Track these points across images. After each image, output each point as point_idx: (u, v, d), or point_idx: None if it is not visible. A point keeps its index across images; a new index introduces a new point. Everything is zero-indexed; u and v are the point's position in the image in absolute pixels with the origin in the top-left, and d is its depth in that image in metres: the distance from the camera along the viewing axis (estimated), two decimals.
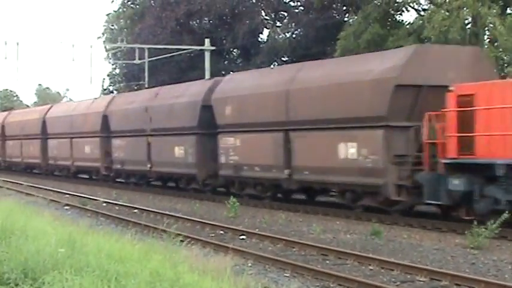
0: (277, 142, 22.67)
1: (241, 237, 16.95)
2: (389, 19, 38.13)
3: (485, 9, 31.63)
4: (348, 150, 19.73)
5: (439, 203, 17.54)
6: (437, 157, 17.19)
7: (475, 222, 15.26)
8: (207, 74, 42.95)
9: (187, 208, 23.86)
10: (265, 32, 53.05)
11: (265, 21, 52.92)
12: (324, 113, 20.64)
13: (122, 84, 61.96)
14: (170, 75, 50.20)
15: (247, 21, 49.49)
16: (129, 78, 59.21)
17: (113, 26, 66.17)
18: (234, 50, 55.23)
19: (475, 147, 16.24)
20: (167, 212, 21.72)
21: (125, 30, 60.62)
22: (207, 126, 26.57)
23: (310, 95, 21.28)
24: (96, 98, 40.65)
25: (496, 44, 31.62)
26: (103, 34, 67.08)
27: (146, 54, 48.43)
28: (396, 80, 18.50)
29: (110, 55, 63.62)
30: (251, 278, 10.15)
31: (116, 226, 19.22)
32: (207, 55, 44.66)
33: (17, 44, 47.10)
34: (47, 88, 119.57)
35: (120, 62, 60.31)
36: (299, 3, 50.81)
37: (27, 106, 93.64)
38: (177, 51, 48.62)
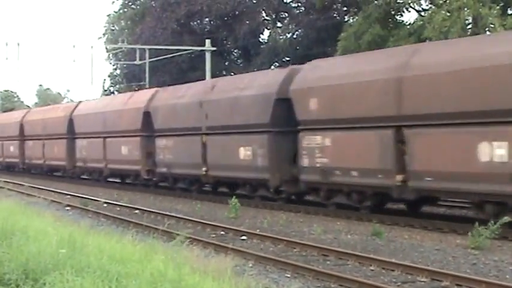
0: (384, 141, 18.69)
1: (242, 237, 16.93)
2: (390, 20, 38.14)
3: (486, 10, 31.64)
4: (494, 152, 15.68)
5: None
6: None
7: (477, 223, 15.26)
8: (208, 75, 43.00)
9: (188, 209, 23.85)
10: (266, 32, 53.15)
11: (266, 22, 53.01)
12: (460, 105, 16.56)
13: (122, 85, 62.00)
14: (171, 76, 50.29)
15: (248, 22, 49.57)
16: (129, 78, 59.26)
17: (113, 26, 66.24)
18: (235, 51, 55.31)
19: None
20: (168, 213, 21.71)
21: (126, 30, 60.73)
22: (282, 122, 22.68)
23: (437, 82, 17.13)
24: (134, 92, 36.31)
25: None
26: (104, 35, 67.21)
27: (147, 54, 48.49)
28: None
29: (110, 56, 63.73)
30: (252, 279, 10.14)
31: (117, 227, 19.21)
32: (208, 56, 44.69)
33: (18, 44, 47.28)
34: (48, 89, 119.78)
35: (121, 62, 60.38)
36: (300, 4, 50.84)
37: (28, 107, 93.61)
38: (177, 52, 48.66)
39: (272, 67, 45.64)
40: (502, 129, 15.62)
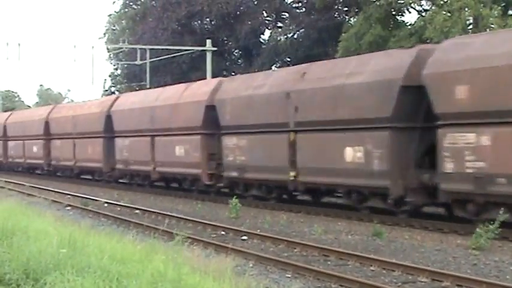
0: None
1: (243, 238, 16.93)
2: (391, 20, 38.16)
3: (487, 10, 31.68)
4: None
5: None
6: None
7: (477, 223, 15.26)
8: (209, 75, 42.99)
9: (188, 209, 23.86)
10: (267, 32, 53.17)
11: (267, 22, 53.02)
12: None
13: (123, 85, 62.04)
14: (172, 76, 50.30)
15: (249, 22, 49.59)
16: (130, 78, 59.33)
17: (114, 26, 66.31)
18: (236, 51, 55.31)
19: None
20: (169, 213, 21.71)
21: (127, 30, 60.75)
22: (409, 116, 18.44)
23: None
24: (189, 84, 30.87)
25: None
26: (104, 35, 67.31)
27: (148, 55, 48.51)
28: None
29: (111, 56, 63.82)
30: (252, 279, 10.15)
31: (118, 227, 19.21)
32: (209, 56, 44.69)
33: (19, 44, 47.26)
34: (49, 89, 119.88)
35: (121, 62, 60.42)
36: (300, 4, 50.84)
37: (29, 107, 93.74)
38: (178, 52, 48.67)
39: (273, 67, 45.68)
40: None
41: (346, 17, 45.13)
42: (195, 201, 26.28)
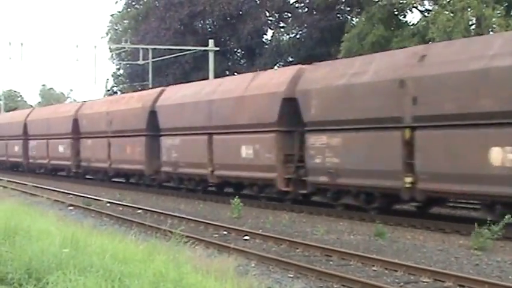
0: None
1: (245, 237, 16.94)
2: (394, 20, 38.17)
3: (490, 10, 31.70)
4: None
5: None
6: None
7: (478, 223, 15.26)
8: (211, 75, 43.01)
9: (190, 209, 23.87)
10: (269, 32, 53.17)
11: (269, 22, 53.00)
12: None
13: (125, 85, 62.09)
14: (174, 76, 50.31)
15: (251, 22, 49.56)
16: (133, 78, 59.33)
17: (117, 26, 66.35)
18: (238, 51, 55.32)
19: None
20: (171, 213, 21.72)
21: (129, 30, 60.83)
22: None
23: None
24: (256, 73, 26.93)
25: None
26: (107, 34, 67.36)
27: (150, 54, 48.54)
28: None
29: (114, 55, 63.80)
30: (254, 279, 10.17)
31: (120, 226, 19.23)
32: (211, 56, 44.70)
33: (21, 44, 47.33)
34: (51, 89, 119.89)
35: (124, 62, 60.45)
36: (303, 4, 50.85)
37: (31, 106, 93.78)
38: (180, 52, 48.70)
39: (275, 67, 45.69)
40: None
41: (349, 17, 45.13)
42: (197, 201, 26.31)
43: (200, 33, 51.49)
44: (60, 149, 41.27)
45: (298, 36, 50.13)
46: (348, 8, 45.52)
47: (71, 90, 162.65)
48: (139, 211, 23.27)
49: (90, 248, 10.21)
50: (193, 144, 27.58)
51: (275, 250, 15.15)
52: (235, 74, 44.59)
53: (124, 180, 35.97)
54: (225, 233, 17.90)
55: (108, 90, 65.00)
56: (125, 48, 53.41)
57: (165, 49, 48.67)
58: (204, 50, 46.29)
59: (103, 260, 9.08)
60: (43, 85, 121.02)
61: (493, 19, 31.87)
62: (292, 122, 22.49)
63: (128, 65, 59.59)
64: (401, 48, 25.63)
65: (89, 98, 64.81)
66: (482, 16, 32.08)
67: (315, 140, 21.32)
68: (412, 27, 37.15)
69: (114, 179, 36.66)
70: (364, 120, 19.44)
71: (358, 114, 19.57)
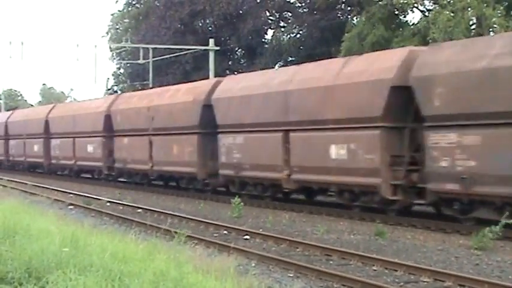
0: None
1: (245, 237, 16.94)
2: (394, 20, 38.16)
3: (490, 10, 31.69)
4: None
5: None
6: None
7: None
8: (211, 74, 43.00)
9: (191, 208, 23.86)
10: (270, 32, 53.17)
11: (270, 22, 52.99)
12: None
13: (126, 84, 62.09)
14: (174, 76, 50.30)
15: (252, 22, 49.53)
16: (133, 78, 59.30)
17: (117, 25, 66.30)
18: (238, 50, 55.31)
19: None
20: (171, 212, 21.72)
21: (130, 30, 60.78)
22: None
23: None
24: (350, 58, 22.30)
25: None
26: (107, 33, 67.28)
27: (150, 54, 48.51)
28: None
29: (114, 55, 63.74)
30: (255, 278, 10.17)
31: (120, 226, 19.23)
32: (212, 55, 44.68)
33: (22, 43, 47.56)
34: (51, 88, 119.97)
35: (124, 61, 60.44)
36: (303, 4, 50.85)
37: (31, 105, 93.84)
38: (181, 52, 48.69)
39: (276, 67, 45.68)
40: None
41: (349, 16, 45.12)
42: (197, 200, 26.30)
43: (200, 33, 51.44)
44: (89, 148, 36.95)
45: (298, 36, 50.14)
46: (349, 8, 45.49)
47: (72, 89, 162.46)
48: (140, 210, 23.28)
49: (90, 247, 10.20)
50: (262, 143, 23.49)
51: (275, 249, 15.16)
52: (235, 73, 44.52)
53: (162, 184, 32.24)
54: (225, 232, 17.90)
55: (109, 89, 64.97)
56: (125, 47, 53.44)
57: (165, 48, 48.63)
58: (205, 50, 46.26)
59: (103, 259, 9.07)
60: (43, 84, 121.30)
61: (494, 19, 31.87)
62: (400, 116, 18.57)
63: (128, 65, 59.57)
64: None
65: (89, 97, 64.86)
66: (482, 16, 32.07)
67: (439, 139, 17.24)
68: (412, 27, 37.13)
69: (151, 182, 32.79)
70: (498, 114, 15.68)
71: (506, 105, 15.67)
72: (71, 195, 29.38)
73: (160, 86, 36.08)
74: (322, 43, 44.73)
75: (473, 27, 32.74)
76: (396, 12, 37.89)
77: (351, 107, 19.81)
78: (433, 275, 11.98)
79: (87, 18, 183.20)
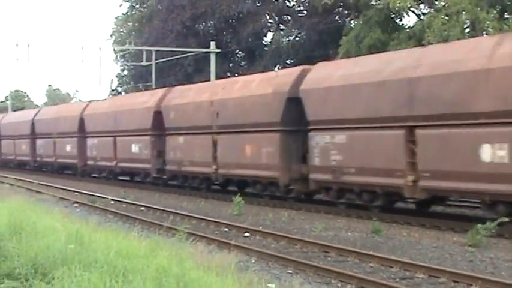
0: None
1: (245, 234, 16.95)
2: (390, 23, 38.14)
3: (484, 13, 31.68)
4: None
5: None
6: None
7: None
8: (213, 76, 42.98)
9: (192, 206, 23.84)
10: (269, 35, 53.16)
11: (269, 25, 52.97)
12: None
13: (129, 86, 62.10)
14: (176, 77, 50.29)
15: (252, 25, 49.53)
16: (137, 79, 59.34)
17: (121, 28, 66.31)
18: (239, 53, 55.29)
19: None
20: (173, 210, 21.72)
21: (133, 32, 60.85)
22: None
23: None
24: (505, 34, 18.98)
25: None
26: (111, 36, 67.30)
27: (153, 56, 48.54)
28: None
29: (118, 57, 63.77)
30: (254, 274, 10.17)
31: (124, 223, 19.24)
32: (213, 57, 44.67)
33: (28, 46, 47.30)
34: (57, 89, 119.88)
35: (128, 63, 60.44)
36: (302, 7, 50.84)
37: (37, 106, 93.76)
38: (183, 54, 48.69)
39: (275, 68, 45.66)
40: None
41: (347, 20, 45.10)
42: (198, 198, 26.28)
43: (202, 36, 51.43)
44: (134, 148, 32.06)
45: (297, 39, 50.08)
46: (346, 12, 45.43)
47: (77, 90, 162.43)
48: (143, 208, 23.28)
49: (95, 244, 10.21)
50: (375, 142, 18.90)
51: (274, 246, 15.16)
52: (236, 75, 44.55)
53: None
54: (226, 229, 17.90)
55: (113, 90, 64.97)
56: (129, 50, 53.40)
57: (167, 51, 48.64)
58: (206, 52, 46.25)
59: (107, 255, 9.08)
60: (49, 86, 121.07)
61: (487, 22, 31.85)
62: None
63: (131, 67, 59.58)
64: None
65: (94, 98, 64.65)
66: (476, 19, 32.06)
67: None
68: (408, 30, 37.11)
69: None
70: None
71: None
72: (76, 193, 29.38)
73: (163, 87, 35.29)
74: (320, 46, 44.68)
75: (467, 30, 32.72)
76: (392, 16, 37.84)
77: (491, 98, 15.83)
78: (428, 271, 11.98)
79: (91, 21, 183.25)
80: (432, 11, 34.17)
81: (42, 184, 34.07)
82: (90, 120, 37.68)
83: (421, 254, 13.90)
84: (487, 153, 15.80)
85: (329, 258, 13.67)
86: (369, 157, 18.91)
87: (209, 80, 38.81)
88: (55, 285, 7.86)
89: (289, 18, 52.50)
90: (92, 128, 37.33)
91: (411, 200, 19.62)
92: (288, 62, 48.80)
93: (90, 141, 37.38)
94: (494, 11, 32.67)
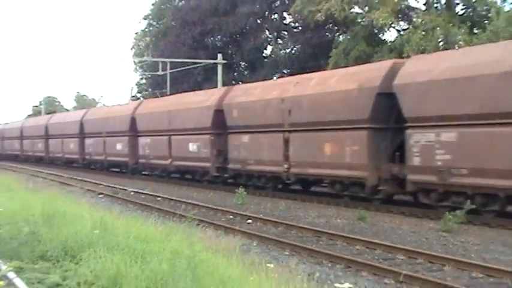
0: None
1: (248, 221, 16.91)
2: (374, 38, 38.10)
3: (455, 29, 31.67)
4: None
5: None
6: None
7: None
8: (219, 85, 42.92)
9: (202, 196, 23.79)
10: (269, 48, 53.18)
11: (269, 39, 52.98)
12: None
13: (147, 92, 62.08)
14: (188, 85, 50.26)
15: (253, 39, 49.58)
16: (153, 87, 59.32)
17: (140, 42, 66.31)
18: (242, 64, 55.27)
19: None
20: (185, 200, 21.69)
21: (150, 46, 60.82)
22: None
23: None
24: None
25: None
26: (131, 49, 67.32)
27: (168, 66, 48.48)
28: None
29: (137, 67, 63.82)
30: (256, 256, 10.14)
31: (142, 212, 19.19)
32: (220, 68, 44.61)
33: (60, 56, 47.11)
34: (84, 95, 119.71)
35: (146, 73, 60.44)
36: (297, 24, 50.81)
37: (67, 110, 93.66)
38: (193, 65, 48.66)
39: (274, 78, 45.61)
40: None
41: (336, 35, 45.06)
42: (207, 190, 26.23)
43: (210, 49, 51.42)
44: (192, 147, 28.12)
45: (293, 51, 50.11)
46: (335, 28, 45.41)
47: (101, 96, 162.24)
48: (159, 198, 23.23)
49: (117, 229, 10.19)
50: (495, 140, 14.79)
51: (273, 232, 15.13)
52: (240, 83, 44.47)
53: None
54: (231, 217, 17.86)
55: (133, 96, 64.96)
56: (146, 61, 53.47)
57: (180, 62, 48.58)
58: (214, 63, 46.19)
59: (128, 239, 9.06)
60: (78, 92, 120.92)
61: (459, 36, 31.84)
62: None
63: (149, 76, 59.56)
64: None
65: (116, 103, 64.53)
66: (449, 34, 32.05)
67: None
68: (389, 44, 37.06)
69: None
70: None
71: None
72: (101, 186, 29.34)
73: (176, 93, 34.59)
74: (313, 57, 44.62)
75: (441, 44, 32.68)
76: (376, 31, 37.81)
77: None
78: (407, 253, 11.95)
79: (115, 35, 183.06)
80: (411, 27, 34.11)
81: (72, 178, 34.02)
82: (142, 119, 33.80)
83: (401, 238, 13.87)
84: None
85: (321, 242, 13.64)
86: (487, 157, 14.87)
87: (216, 87, 38.56)
88: (82, 266, 7.85)
89: (285, 33, 52.52)
90: (144, 127, 33.44)
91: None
92: (284, 71, 48.77)
93: (142, 140, 33.56)
94: (465, 26, 32.66)
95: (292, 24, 52.08)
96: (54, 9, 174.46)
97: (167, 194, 24.41)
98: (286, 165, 21.76)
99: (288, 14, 49.29)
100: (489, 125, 14.80)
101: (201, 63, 47.69)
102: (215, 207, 19.53)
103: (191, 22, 51.60)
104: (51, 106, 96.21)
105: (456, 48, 30.45)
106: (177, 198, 22.25)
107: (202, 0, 51.31)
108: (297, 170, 21.39)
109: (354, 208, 18.83)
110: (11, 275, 5.63)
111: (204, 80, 50.36)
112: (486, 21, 32.92)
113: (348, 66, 23.94)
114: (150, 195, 24.41)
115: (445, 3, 35.12)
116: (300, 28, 49.69)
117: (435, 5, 35.59)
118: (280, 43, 52.55)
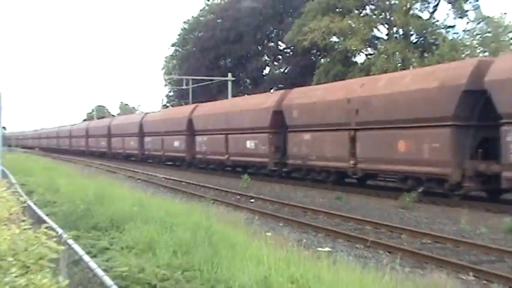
0: None
1: (251, 200, 16.90)
2: (348, 60, 38.05)
3: (410, 53, 31.61)
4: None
5: None
6: None
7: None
8: (229, 97, 42.82)
9: (216, 181, 23.74)
10: (267, 68, 53.21)
11: (267, 62, 53.01)
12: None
13: (174, 102, 62.04)
14: (205, 97, 50.22)
15: (255, 62, 49.60)
16: (179, 98, 59.26)
17: (169, 63, 66.33)
18: (247, 80, 55.28)
19: None
20: (203, 184, 21.65)
21: (177, 66, 60.83)
22: None
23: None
24: None
25: None
26: (162, 69, 67.31)
27: (190, 82, 48.42)
28: None
29: (166, 83, 63.81)
30: (257, 227, 10.14)
31: (171, 193, 19.17)
32: (230, 84, 44.57)
33: (108, 73, 46.89)
34: (127, 104, 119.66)
35: (173, 87, 60.40)
36: (289, 50, 50.81)
37: (113, 116, 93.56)
38: (210, 81, 48.62)
39: (271, 91, 45.56)
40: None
41: (318, 58, 44.99)
42: (220, 176, 26.15)
43: (222, 69, 51.38)
44: (249, 144, 24.44)
45: (286, 71, 50.06)
46: (318, 53, 45.35)
47: (139, 105, 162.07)
48: (183, 183, 23.20)
49: (151, 206, 10.20)
50: None
51: (271, 208, 15.11)
52: (245, 95, 44.31)
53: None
54: (238, 197, 17.83)
55: (164, 105, 64.88)
56: (173, 78, 53.45)
57: (199, 79, 48.53)
58: (225, 80, 46.15)
59: (159, 214, 9.07)
60: (121, 102, 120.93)
61: (412, 59, 31.79)
62: None
63: (175, 89, 59.52)
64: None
65: (151, 110, 64.52)
66: (405, 57, 32.00)
67: None
68: (360, 65, 37.00)
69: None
70: None
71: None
72: (139, 172, 29.30)
73: (195, 102, 34.23)
74: (301, 75, 44.50)
75: (399, 65, 32.64)
76: (349, 55, 37.75)
77: None
78: (373, 225, 11.93)
79: (150, 59, 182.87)
80: (376, 52, 34.05)
81: (116, 167, 33.96)
82: (199, 120, 30.38)
83: (369, 214, 13.83)
84: None
85: (307, 216, 13.62)
86: None
87: (227, 98, 38.41)
88: (125, 234, 7.85)
89: (280, 57, 52.54)
90: (201, 127, 29.99)
91: None
92: (280, 86, 48.69)
93: (199, 138, 30.12)
94: (418, 51, 32.60)
95: (286, 50, 52.03)
96: (104, 37, 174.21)
97: (189, 179, 24.34)
98: (352, 161, 18.18)
99: (282, 42, 49.28)
100: None
101: (215, 80, 47.65)
102: (226, 189, 19.51)
103: (208, 48, 51.66)
104: (100, 113, 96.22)
105: (411, 67, 30.44)
106: (197, 183, 22.21)
107: (216, 31, 51.36)
108: (364, 166, 17.69)
109: (333, 190, 18.77)
110: (70, 241, 5.65)
111: (217, 92, 50.31)
112: (434, 48, 32.88)
113: (327, 83, 23.57)
114: (177, 180, 24.35)
115: (402, 34, 35.07)
116: (291, 53, 49.64)
117: (395, 35, 35.56)
118: (276, 64, 52.54)
